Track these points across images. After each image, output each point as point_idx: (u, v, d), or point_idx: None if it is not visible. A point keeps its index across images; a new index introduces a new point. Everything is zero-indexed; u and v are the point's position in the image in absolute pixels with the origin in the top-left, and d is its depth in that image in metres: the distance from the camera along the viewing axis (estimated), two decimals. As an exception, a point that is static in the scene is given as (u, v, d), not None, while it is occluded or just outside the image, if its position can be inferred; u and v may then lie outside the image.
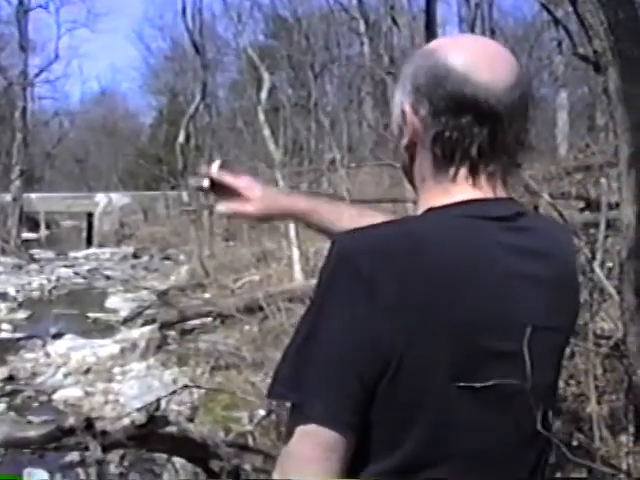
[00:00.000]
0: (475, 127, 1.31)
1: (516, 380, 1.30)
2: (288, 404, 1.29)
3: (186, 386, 8.08)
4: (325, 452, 1.24)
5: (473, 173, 1.35)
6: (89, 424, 5.33)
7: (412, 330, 1.22)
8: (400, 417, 1.26)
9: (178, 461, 6.64)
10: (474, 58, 1.33)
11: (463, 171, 1.35)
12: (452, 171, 1.35)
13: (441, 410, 1.26)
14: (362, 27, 26.13)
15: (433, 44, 1.41)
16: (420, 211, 1.37)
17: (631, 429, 4.28)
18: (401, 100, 1.39)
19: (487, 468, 1.32)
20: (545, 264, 1.37)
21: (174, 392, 7.49)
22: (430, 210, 1.34)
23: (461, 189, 1.35)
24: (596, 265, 4.61)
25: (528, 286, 1.33)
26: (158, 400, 6.03)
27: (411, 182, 1.44)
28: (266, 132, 15.30)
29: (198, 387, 8.48)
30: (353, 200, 9.67)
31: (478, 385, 1.25)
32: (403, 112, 1.38)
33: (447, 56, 1.34)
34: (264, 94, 16.30)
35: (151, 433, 5.55)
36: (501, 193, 1.37)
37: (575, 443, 4.35)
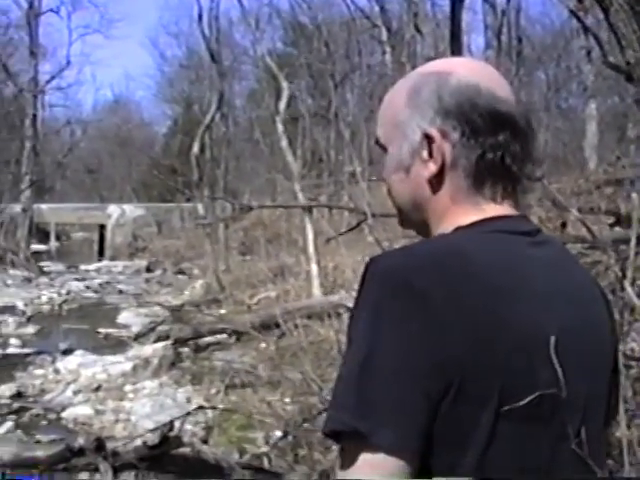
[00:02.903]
0: (511, 144, 1.34)
1: (562, 398, 1.27)
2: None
3: (201, 407, 8.22)
4: None
5: (506, 190, 1.36)
6: (100, 444, 5.48)
7: (470, 347, 1.19)
8: (458, 439, 1.22)
9: None
10: (487, 76, 1.38)
11: (498, 188, 1.36)
12: (488, 190, 1.35)
13: (490, 432, 1.21)
14: (384, 35, 25.94)
15: (439, 66, 1.41)
16: (446, 232, 1.36)
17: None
18: (420, 126, 1.37)
19: None
20: (570, 277, 1.39)
21: (188, 413, 7.78)
22: (459, 228, 1.34)
23: (493, 207, 1.35)
24: (627, 283, 4.46)
25: (563, 300, 1.33)
26: (172, 421, 6.15)
27: (415, 209, 1.42)
28: (284, 143, 15.24)
29: (213, 408, 8.41)
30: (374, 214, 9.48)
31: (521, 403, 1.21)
32: (429, 138, 1.35)
33: (467, 76, 1.36)
34: (283, 104, 16.22)
35: (164, 454, 5.70)
36: (519, 210, 1.40)
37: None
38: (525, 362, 1.23)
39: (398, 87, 1.44)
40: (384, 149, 1.44)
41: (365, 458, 1.19)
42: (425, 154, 1.35)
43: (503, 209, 1.35)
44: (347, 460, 1.22)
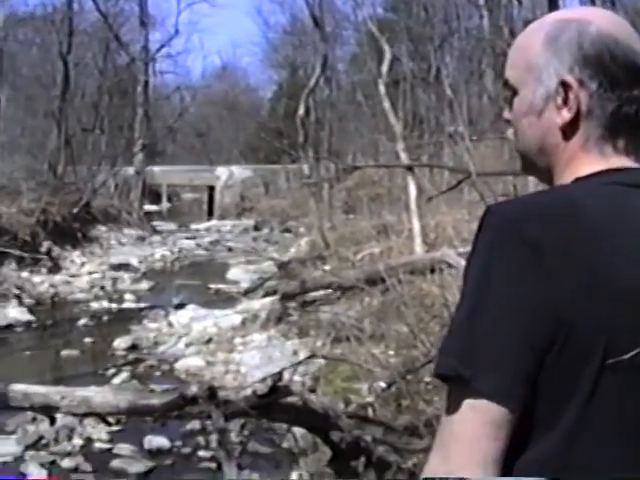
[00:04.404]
0: None
1: None
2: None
3: (312, 356, 8.17)
4: (493, 430, 1.20)
5: (634, 144, 1.35)
6: (212, 393, 5.43)
7: (579, 298, 1.19)
8: (562, 391, 1.22)
9: (298, 431, 6.72)
10: (624, 29, 1.34)
11: (628, 142, 1.34)
12: (617, 142, 1.33)
13: (593, 385, 1.21)
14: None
15: (577, 14, 1.37)
16: (566, 181, 1.35)
17: None
18: (558, 72, 1.34)
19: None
20: None
21: (299, 363, 7.61)
22: (578, 179, 1.32)
23: (618, 159, 1.33)
24: None
25: None
26: (281, 371, 6.06)
27: (541, 154, 1.39)
28: (386, 105, 15.19)
29: (324, 357, 8.46)
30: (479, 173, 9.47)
31: (627, 356, 1.19)
32: (565, 85, 1.33)
33: (607, 26, 1.33)
34: (385, 67, 16.16)
35: (273, 403, 5.62)
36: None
37: None
38: (631, 316, 1.21)
39: (532, 31, 1.41)
40: (513, 91, 1.41)
41: (468, 403, 1.21)
42: (560, 101, 1.34)
43: (628, 161, 1.34)
44: (452, 405, 1.24)
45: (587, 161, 1.33)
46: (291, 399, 5.88)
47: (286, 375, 6.29)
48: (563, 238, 1.21)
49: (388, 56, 16.38)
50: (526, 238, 1.21)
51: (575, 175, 1.33)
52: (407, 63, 24.82)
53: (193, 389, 5.62)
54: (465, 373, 1.21)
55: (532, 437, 1.24)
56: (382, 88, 15.39)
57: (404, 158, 14.04)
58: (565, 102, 1.33)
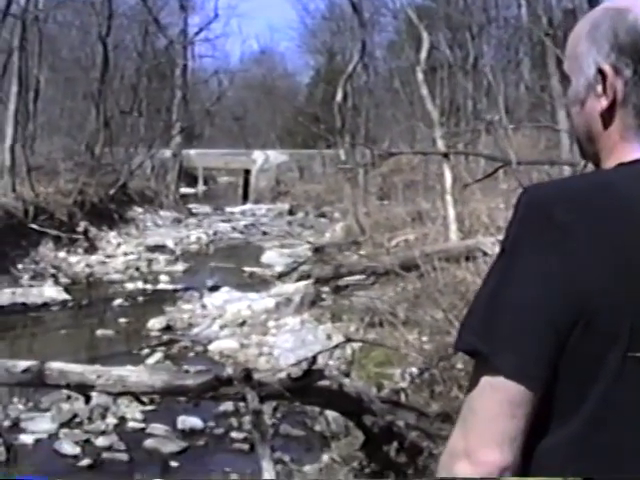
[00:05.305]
0: None
1: None
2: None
3: (348, 340, 8.17)
4: (511, 408, 1.21)
5: None
6: (247, 375, 5.46)
7: (605, 283, 1.19)
8: (585, 376, 1.21)
9: (330, 415, 6.79)
10: None
11: None
12: None
13: (617, 371, 1.20)
14: (521, -12, 25.10)
15: (620, 2, 1.36)
16: (610, 167, 1.34)
17: None
18: (596, 60, 1.34)
19: None
20: None
21: (336, 346, 7.67)
22: (621, 164, 1.31)
23: None
24: None
25: None
26: (316, 354, 6.06)
27: (590, 141, 1.40)
28: (424, 92, 15.14)
29: (362, 341, 8.46)
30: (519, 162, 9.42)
31: None
32: (602, 73, 1.33)
33: None
34: (423, 54, 16.07)
35: (307, 386, 5.63)
36: None
37: None
38: None
39: (583, 20, 1.42)
40: (568, 80, 1.43)
41: (486, 380, 1.22)
42: (599, 89, 1.34)
43: None
44: (473, 381, 1.25)
45: (629, 149, 1.33)
46: (325, 383, 5.90)
47: (320, 359, 6.32)
48: (594, 223, 1.21)
49: (426, 43, 16.28)
50: (556, 220, 1.21)
51: (618, 161, 1.32)
52: (445, 51, 24.63)
53: (229, 370, 5.69)
54: (483, 350, 1.22)
55: (553, 420, 1.24)
56: (420, 75, 15.33)
57: (441, 145, 13.98)
58: (604, 90, 1.33)
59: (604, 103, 1.33)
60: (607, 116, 1.34)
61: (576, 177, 1.42)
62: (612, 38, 1.32)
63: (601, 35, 1.34)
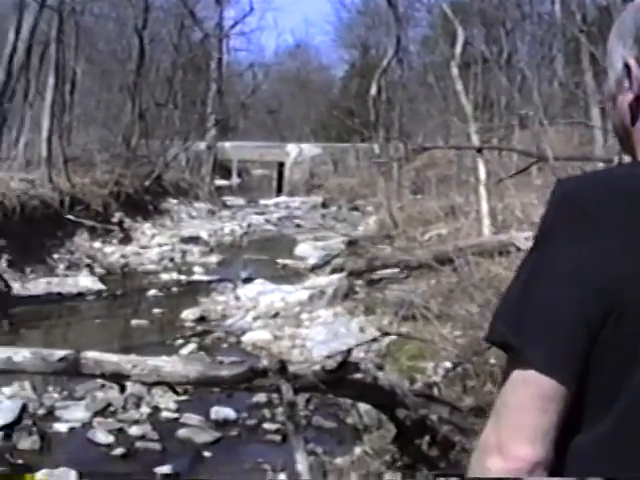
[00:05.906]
0: None
1: None
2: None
3: (385, 333, 8.21)
4: (543, 403, 1.20)
5: None
6: (282, 367, 5.42)
7: (631, 277, 1.17)
8: (614, 369, 1.20)
9: (362, 407, 6.75)
10: None
11: None
12: None
13: None
14: (554, -15, 24.91)
15: None
16: None
17: None
18: (623, 55, 1.33)
19: None
20: None
21: (374, 339, 7.52)
22: None
23: None
24: None
25: None
26: (352, 347, 6.19)
27: (626, 136, 1.37)
28: (459, 86, 15.08)
29: (399, 335, 8.41)
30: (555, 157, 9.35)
31: None
32: (627, 66, 1.31)
33: None
34: (458, 49, 15.99)
35: (341, 378, 5.58)
36: None
37: None
38: None
39: (619, 17, 1.40)
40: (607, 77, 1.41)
41: (518, 373, 1.22)
42: (627, 83, 1.32)
43: None
44: (506, 376, 1.24)
45: None
46: (358, 375, 5.88)
47: (354, 352, 6.31)
48: (625, 215, 1.19)
49: (461, 38, 16.21)
50: (587, 213, 1.20)
51: None
52: (479, 46, 24.52)
53: (264, 362, 5.66)
54: (514, 342, 1.21)
55: (586, 417, 1.23)
56: (455, 70, 15.26)
57: (475, 140, 13.92)
58: (630, 84, 1.32)
59: (629, 96, 1.32)
60: (635, 109, 1.33)
61: (609, 169, 1.46)
62: (634, 31, 1.31)
63: (625, 29, 1.33)
